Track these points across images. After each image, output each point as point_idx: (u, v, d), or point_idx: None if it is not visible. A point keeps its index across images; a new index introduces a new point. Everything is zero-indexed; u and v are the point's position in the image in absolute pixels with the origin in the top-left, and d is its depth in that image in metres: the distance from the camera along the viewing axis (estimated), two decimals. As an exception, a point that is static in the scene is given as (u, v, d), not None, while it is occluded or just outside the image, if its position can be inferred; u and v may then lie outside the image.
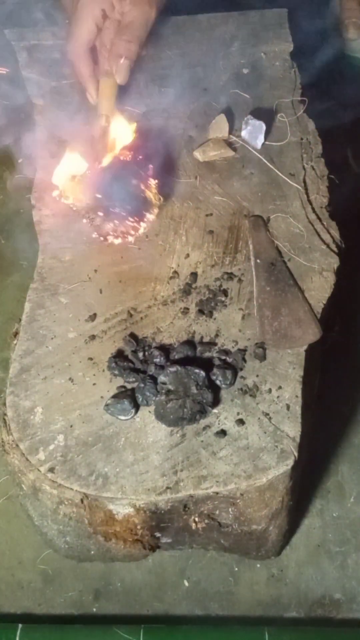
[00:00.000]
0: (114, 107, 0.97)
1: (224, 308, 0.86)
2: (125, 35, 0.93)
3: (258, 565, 1.00)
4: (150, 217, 0.90)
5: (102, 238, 0.90)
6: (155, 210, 0.90)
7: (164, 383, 0.77)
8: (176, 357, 0.81)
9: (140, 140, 0.95)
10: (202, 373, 0.76)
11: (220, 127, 1.01)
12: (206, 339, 0.83)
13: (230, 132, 1.01)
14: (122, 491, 0.74)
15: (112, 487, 0.74)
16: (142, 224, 0.90)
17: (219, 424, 0.78)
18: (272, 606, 0.98)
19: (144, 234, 0.92)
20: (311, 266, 0.89)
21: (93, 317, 0.85)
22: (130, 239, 0.90)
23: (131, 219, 0.89)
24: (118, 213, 0.88)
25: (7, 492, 1.05)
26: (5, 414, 0.79)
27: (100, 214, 0.88)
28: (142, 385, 0.78)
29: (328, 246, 0.90)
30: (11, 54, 1.11)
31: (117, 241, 0.90)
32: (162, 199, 0.91)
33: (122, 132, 0.95)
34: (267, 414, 0.78)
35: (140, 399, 0.78)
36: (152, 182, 0.90)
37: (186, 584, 0.99)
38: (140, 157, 0.92)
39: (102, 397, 0.79)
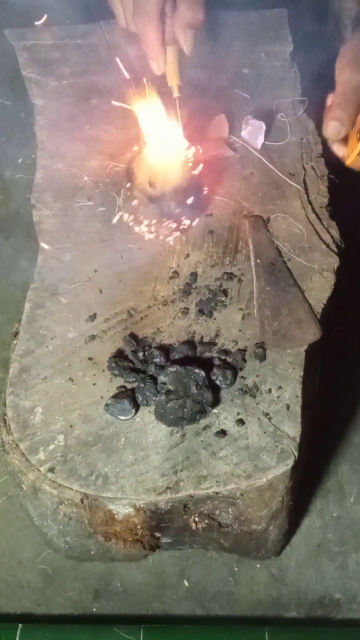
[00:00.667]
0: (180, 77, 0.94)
1: (224, 308, 0.86)
2: (189, 3, 0.88)
3: (258, 565, 1.00)
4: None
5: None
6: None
7: (164, 383, 0.77)
8: (176, 357, 0.81)
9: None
10: (202, 373, 0.76)
11: (220, 127, 1.01)
12: (206, 339, 0.83)
13: (230, 132, 1.01)
14: (122, 491, 0.74)
15: (112, 487, 0.74)
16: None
17: (219, 424, 0.78)
18: (272, 606, 0.98)
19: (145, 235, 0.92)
20: (311, 266, 0.89)
21: (93, 317, 0.85)
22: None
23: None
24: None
25: (7, 492, 1.05)
26: (5, 414, 0.79)
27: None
28: (142, 385, 0.78)
29: (328, 246, 0.90)
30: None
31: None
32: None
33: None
34: (267, 414, 0.78)
35: (140, 399, 0.78)
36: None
37: (186, 584, 0.99)
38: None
39: (102, 397, 0.79)
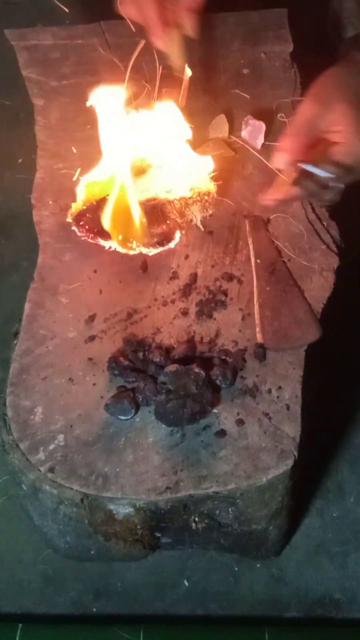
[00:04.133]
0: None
1: (223, 308, 0.86)
2: None
3: (258, 565, 1.00)
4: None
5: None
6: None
7: (164, 383, 0.77)
8: (176, 357, 0.81)
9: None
10: (202, 373, 0.76)
11: (220, 127, 1.01)
12: (206, 339, 0.83)
13: (230, 132, 1.01)
14: (122, 491, 0.74)
15: (112, 487, 0.74)
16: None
17: (219, 424, 0.78)
18: (272, 606, 0.98)
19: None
20: (311, 266, 0.89)
21: (93, 317, 0.85)
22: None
23: None
24: None
25: (7, 492, 1.05)
26: (5, 414, 0.79)
27: None
28: (142, 385, 0.78)
29: (328, 246, 0.90)
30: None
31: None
32: None
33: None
34: (267, 414, 0.78)
35: (140, 399, 0.78)
36: None
37: (186, 584, 0.99)
38: None
39: (102, 397, 0.79)
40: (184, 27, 0.91)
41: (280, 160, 0.77)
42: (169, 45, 0.92)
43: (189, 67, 0.93)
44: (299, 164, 0.76)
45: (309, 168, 0.75)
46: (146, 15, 0.91)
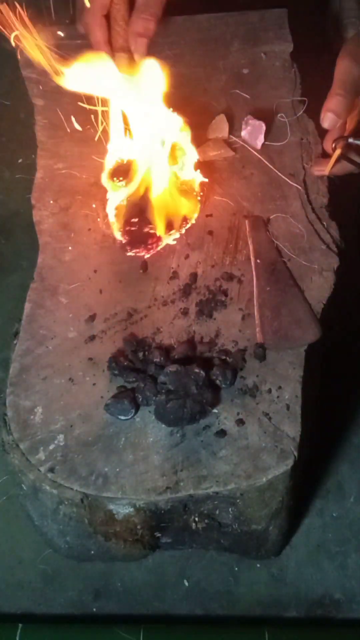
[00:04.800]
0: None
1: (223, 308, 0.86)
2: (143, 13, 0.93)
3: (258, 565, 1.00)
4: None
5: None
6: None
7: (164, 383, 0.77)
8: (176, 357, 0.81)
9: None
10: (202, 373, 0.76)
11: (220, 127, 1.01)
12: (206, 339, 0.83)
13: (230, 132, 1.01)
14: (122, 491, 0.74)
15: (112, 487, 0.74)
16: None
17: (219, 424, 0.78)
18: (272, 606, 0.98)
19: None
20: (311, 266, 0.89)
21: (93, 317, 0.85)
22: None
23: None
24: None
25: (7, 492, 1.05)
26: (5, 414, 0.79)
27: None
28: (142, 385, 0.78)
29: (328, 246, 0.90)
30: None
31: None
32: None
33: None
34: (267, 414, 0.78)
35: (140, 399, 0.78)
36: None
37: (186, 583, 0.99)
38: None
39: (102, 397, 0.79)
40: (133, 51, 0.93)
41: (331, 122, 0.79)
42: (117, 67, 0.94)
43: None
44: (350, 140, 0.78)
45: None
46: (94, 38, 0.95)
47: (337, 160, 0.88)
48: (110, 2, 0.95)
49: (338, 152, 0.86)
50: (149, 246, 0.90)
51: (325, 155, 0.96)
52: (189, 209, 0.92)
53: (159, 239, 0.91)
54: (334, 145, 0.86)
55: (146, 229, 0.90)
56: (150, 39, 0.94)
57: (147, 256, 0.91)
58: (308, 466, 0.87)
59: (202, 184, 0.94)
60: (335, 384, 1.08)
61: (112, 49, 0.95)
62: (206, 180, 0.94)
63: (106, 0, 0.94)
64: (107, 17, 0.96)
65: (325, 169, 0.90)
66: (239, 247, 0.91)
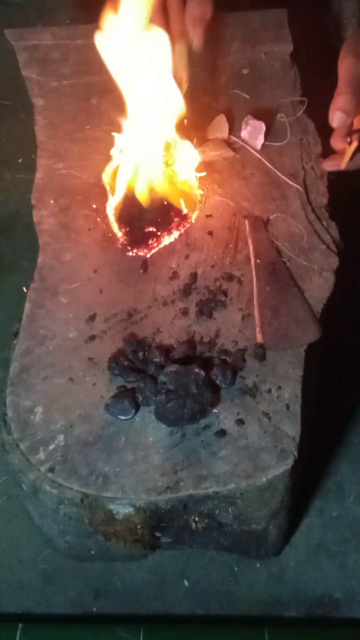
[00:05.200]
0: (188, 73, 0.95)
1: (223, 308, 0.86)
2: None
3: (258, 565, 1.00)
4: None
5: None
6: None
7: (164, 383, 0.77)
8: (176, 357, 0.81)
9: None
10: (202, 373, 0.77)
11: (220, 127, 1.01)
12: (206, 339, 0.84)
13: (230, 133, 1.01)
14: (122, 491, 0.74)
15: (112, 487, 0.74)
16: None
17: (219, 423, 0.78)
18: (272, 606, 0.98)
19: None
20: (311, 266, 0.89)
21: (93, 317, 0.85)
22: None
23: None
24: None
25: (7, 492, 1.05)
26: (5, 414, 0.79)
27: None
28: (142, 385, 0.78)
29: (328, 246, 0.91)
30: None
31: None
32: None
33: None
34: (267, 414, 0.78)
35: (140, 399, 0.78)
36: None
37: (186, 583, 0.99)
38: None
39: (102, 397, 0.79)
40: (190, 39, 0.92)
41: (339, 119, 0.79)
42: (174, 56, 0.92)
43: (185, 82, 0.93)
44: None
45: None
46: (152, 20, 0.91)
47: (353, 155, 0.88)
48: None
49: (355, 144, 0.85)
50: (149, 246, 0.90)
51: (325, 155, 0.96)
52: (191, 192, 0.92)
53: (159, 238, 0.91)
54: (349, 139, 0.86)
55: (146, 229, 0.90)
56: (208, 23, 0.92)
57: (149, 255, 0.90)
58: (308, 466, 0.87)
59: (202, 184, 0.94)
60: (335, 384, 1.08)
61: (171, 37, 0.90)
62: (203, 174, 0.94)
63: None
64: (164, 6, 0.93)
65: (341, 163, 0.89)
66: (238, 248, 0.91)
